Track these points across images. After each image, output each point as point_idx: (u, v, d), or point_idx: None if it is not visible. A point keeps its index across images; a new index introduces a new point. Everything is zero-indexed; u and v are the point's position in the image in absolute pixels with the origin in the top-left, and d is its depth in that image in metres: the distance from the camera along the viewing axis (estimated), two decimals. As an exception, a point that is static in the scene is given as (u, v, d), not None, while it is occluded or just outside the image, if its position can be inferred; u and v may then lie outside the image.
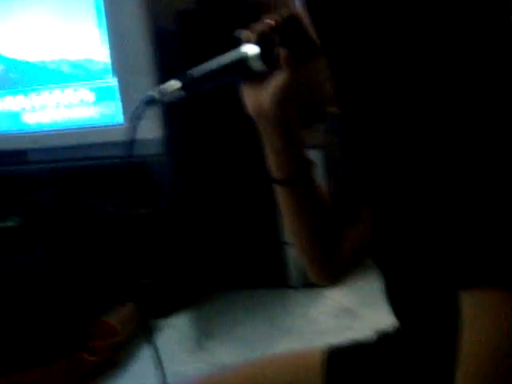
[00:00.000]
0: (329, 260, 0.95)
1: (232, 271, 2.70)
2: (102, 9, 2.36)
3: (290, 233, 0.95)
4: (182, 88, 0.87)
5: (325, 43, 0.75)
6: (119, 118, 2.45)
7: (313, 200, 0.92)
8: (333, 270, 0.96)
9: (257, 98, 0.85)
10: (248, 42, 0.84)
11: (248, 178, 2.57)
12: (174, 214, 2.53)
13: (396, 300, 0.85)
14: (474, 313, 0.63)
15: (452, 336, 0.66)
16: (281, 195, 0.91)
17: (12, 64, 2.53)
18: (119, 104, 2.44)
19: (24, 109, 2.55)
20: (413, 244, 0.73)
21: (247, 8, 2.55)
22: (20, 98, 2.55)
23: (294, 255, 1.06)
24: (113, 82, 2.43)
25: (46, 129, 2.56)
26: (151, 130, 2.41)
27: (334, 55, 0.74)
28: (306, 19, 0.76)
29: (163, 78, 2.82)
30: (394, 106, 0.70)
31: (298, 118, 0.88)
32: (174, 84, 0.88)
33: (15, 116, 2.57)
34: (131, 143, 0.92)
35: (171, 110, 2.33)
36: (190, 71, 0.88)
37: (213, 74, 0.87)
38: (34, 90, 2.52)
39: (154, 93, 0.89)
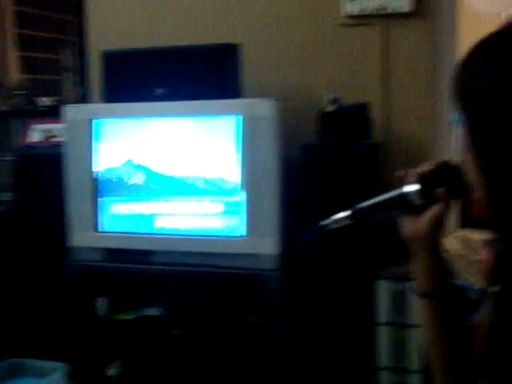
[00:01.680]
0: (460, 372, 1.12)
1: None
2: (241, 137, 2.69)
3: (427, 343, 1.14)
4: (351, 218, 1.11)
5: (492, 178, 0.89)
6: (242, 231, 2.73)
7: (449, 314, 1.11)
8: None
9: (414, 226, 1.09)
10: (409, 181, 1.07)
11: (351, 309, 2.74)
12: (280, 329, 2.70)
13: None
14: None
15: None
16: (423, 308, 1.12)
17: (155, 176, 2.84)
18: (244, 218, 2.72)
19: (155, 214, 2.86)
20: None
21: (362, 147, 2.81)
22: (153, 204, 2.85)
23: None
24: (240, 199, 2.72)
25: (173, 234, 2.84)
26: (270, 246, 2.66)
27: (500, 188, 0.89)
28: (466, 163, 0.94)
29: (287, 201, 3.03)
30: None
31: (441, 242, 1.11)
32: (344, 214, 1.12)
33: (147, 219, 2.87)
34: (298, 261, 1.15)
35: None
36: (358, 204, 1.12)
37: (377, 206, 1.11)
38: (167, 199, 2.83)
39: (326, 222, 1.13)
